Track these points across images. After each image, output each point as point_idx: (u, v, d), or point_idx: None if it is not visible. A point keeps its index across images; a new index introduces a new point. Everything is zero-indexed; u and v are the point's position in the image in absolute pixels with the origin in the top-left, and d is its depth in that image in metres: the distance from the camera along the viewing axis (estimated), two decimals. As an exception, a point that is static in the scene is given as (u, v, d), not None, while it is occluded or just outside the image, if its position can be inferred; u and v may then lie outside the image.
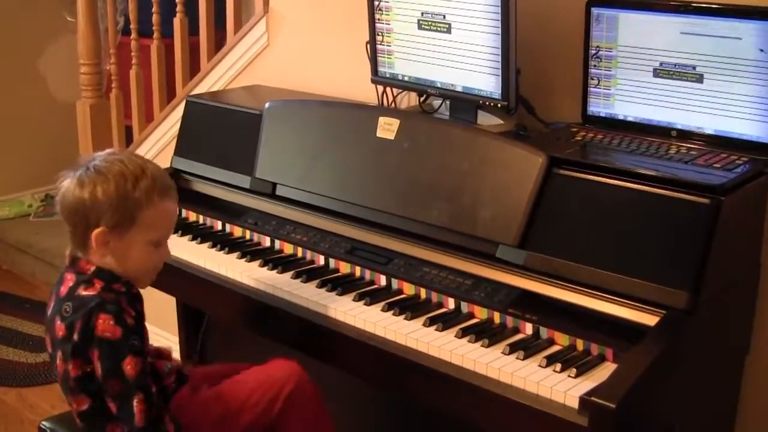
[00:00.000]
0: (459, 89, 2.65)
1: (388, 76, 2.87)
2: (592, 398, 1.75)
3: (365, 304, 2.24)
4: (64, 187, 2.06)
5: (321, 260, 2.49)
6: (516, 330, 2.11)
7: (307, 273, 2.40)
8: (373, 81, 2.92)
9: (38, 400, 3.80)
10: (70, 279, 2.09)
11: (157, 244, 2.12)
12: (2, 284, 4.96)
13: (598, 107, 2.50)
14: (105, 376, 1.97)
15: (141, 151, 4.12)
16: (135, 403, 1.96)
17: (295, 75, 3.40)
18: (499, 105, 2.56)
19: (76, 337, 1.99)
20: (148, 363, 2.04)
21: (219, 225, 2.77)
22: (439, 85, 2.71)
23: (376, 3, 2.80)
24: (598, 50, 2.46)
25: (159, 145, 4.03)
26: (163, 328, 4.14)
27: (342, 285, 2.33)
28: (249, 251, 2.57)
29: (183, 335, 3.20)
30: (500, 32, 2.47)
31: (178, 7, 3.92)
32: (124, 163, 2.06)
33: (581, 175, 2.16)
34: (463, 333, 2.08)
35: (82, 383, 2.02)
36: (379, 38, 2.84)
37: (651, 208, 2.05)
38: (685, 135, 2.34)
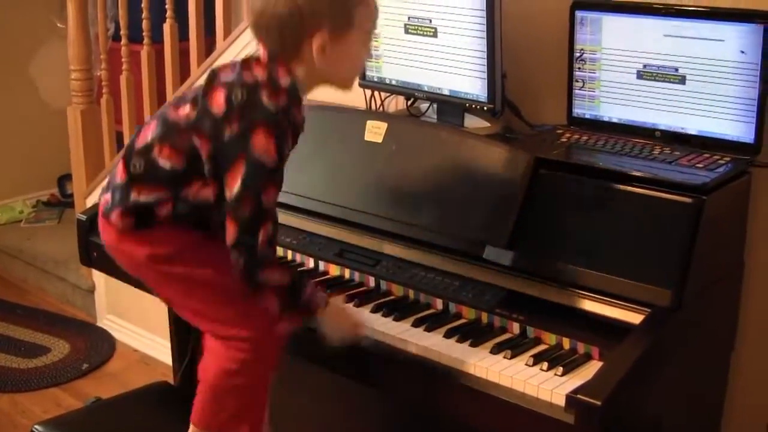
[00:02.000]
0: (446, 92, 2.68)
1: (375, 80, 2.89)
2: (578, 396, 1.76)
3: (355, 305, 2.26)
4: None
5: (311, 263, 2.51)
6: (503, 329, 2.13)
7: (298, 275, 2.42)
8: (360, 85, 2.93)
9: (30, 405, 3.80)
10: (257, 65, 1.97)
11: (367, 41, 2.04)
12: (-6, 290, 4.97)
13: (583, 109, 2.53)
14: (238, 197, 1.91)
15: (132, 156, 4.14)
16: (261, 230, 1.93)
17: (284, 79, 3.41)
18: (485, 108, 2.58)
19: (236, 125, 1.91)
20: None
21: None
22: (426, 89, 2.73)
23: (364, 8, 2.81)
24: (583, 53, 2.48)
25: (149, 150, 4.04)
26: (154, 333, 4.17)
27: (332, 287, 2.35)
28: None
29: (174, 339, 3.20)
30: (486, 36, 2.49)
31: (168, 13, 3.94)
32: None
33: (567, 175, 2.19)
34: (451, 333, 2.10)
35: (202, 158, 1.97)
36: (366, 42, 2.86)
37: (635, 207, 2.08)
38: (668, 136, 2.37)
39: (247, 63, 1.98)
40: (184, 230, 2.07)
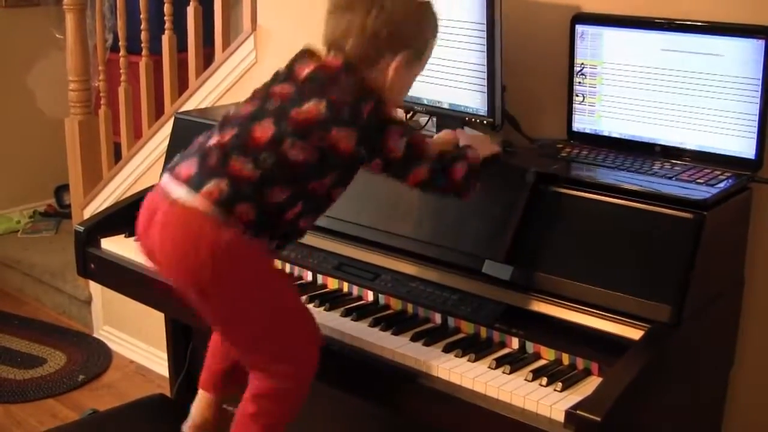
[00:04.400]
0: (445, 106, 2.67)
1: (375, 92, 2.88)
2: (578, 412, 1.76)
3: (353, 319, 2.25)
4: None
5: (309, 276, 2.50)
6: (502, 344, 2.13)
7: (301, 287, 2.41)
8: (360, 98, 2.93)
9: (26, 416, 3.79)
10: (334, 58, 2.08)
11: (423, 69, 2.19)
12: (-10, 301, 4.96)
13: (583, 123, 2.53)
14: (413, 145, 2.04)
15: (129, 168, 4.14)
16: (455, 166, 2.11)
17: (283, 92, 3.41)
18: (485, 122, 2.57)
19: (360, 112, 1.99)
20: None
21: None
22: (425, 102, 2.73)
23: (363, 20, 2.81)
24: (583, 67, 2.48)
25: (147, 161, 4.04)
26: (151, 344, 4.16)
27: (330, 300, 2.35)
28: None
29: (171, 351, 3.20)
30: (486, 49, 2.49)
31: (167, 24, 3.94)
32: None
33: (566, 190, 2.18)
34: (450, 348, 2.10)
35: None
36: (366, 55, 2.85)
37: (635, 223, 2.07)
38: (668, 151, 2.37)
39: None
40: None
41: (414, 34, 2.08)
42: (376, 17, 2.02)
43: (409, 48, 2.06)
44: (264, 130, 1.99)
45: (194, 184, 1.97)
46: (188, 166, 2.01)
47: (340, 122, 1.96)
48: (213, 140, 2.04)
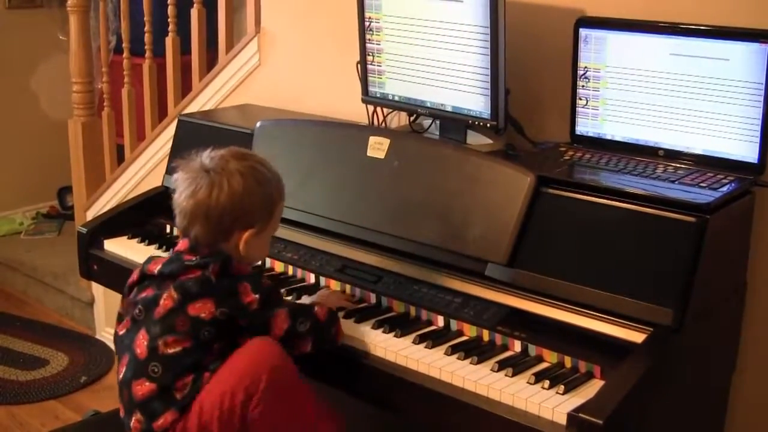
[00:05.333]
0: (449, 109, 2.67)
1: (378, 95, 2.89)
2: (580, 414, 1.76)
3: (355, 321, 2.25)
4: (206, 185, 2.08)
5: (312, 278, 2.50)
6: (505, 347, 2.13)
7: (298, 291, 2.41)
8: (363, 100, 2.94)
9: (29, 418, 3.79)
10: (191, 264, 2.09)
11: (275, 229, 2.24)
12: (-7, 302, 4.97)
13: (586, 127, 2.53)
14: (265, 301, 2.07)
15: (132, 169, 4.14)
16: (315, 309, 2.16)
17: (286, 94, 3.42)
18: (488, 125, 2.58)
19: (213, 277, 2.05)
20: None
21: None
22: (429, 105, 2.73)
23: (367, 23, 2.82)
24: (587, 71, 2.48)
25: (151, 163, 4.05)
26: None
27: (332, 303, 2.34)
28: (240, 269, 2.57)
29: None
30: (489, 53, 2.49)
31: (171, 27, 3.95)
32: (263, 165, 2.17)
33: (569, 194, 2.18)
34: (453, 350, 2.10)
35: (195, 324, 2.03)
36: (369, 58, 2.86)
37: (638, 226, 2.07)
38: (671, 155, 2.37)
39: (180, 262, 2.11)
40: None
41: (259, 210, 2.13)
42: (217, 205, 2.08)
43: (255, 223, 2.13)
44: (140, 344, 2.06)
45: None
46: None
47: (194, 297, 2.03)
48: (120, 373, 2.12)
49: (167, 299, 2.04)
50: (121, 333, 2.14)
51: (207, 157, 2.13)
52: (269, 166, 2.19)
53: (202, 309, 2.02)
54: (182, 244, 2.14)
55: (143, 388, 2.03)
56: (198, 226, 2.10)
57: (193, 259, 2.08)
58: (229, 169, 2.09)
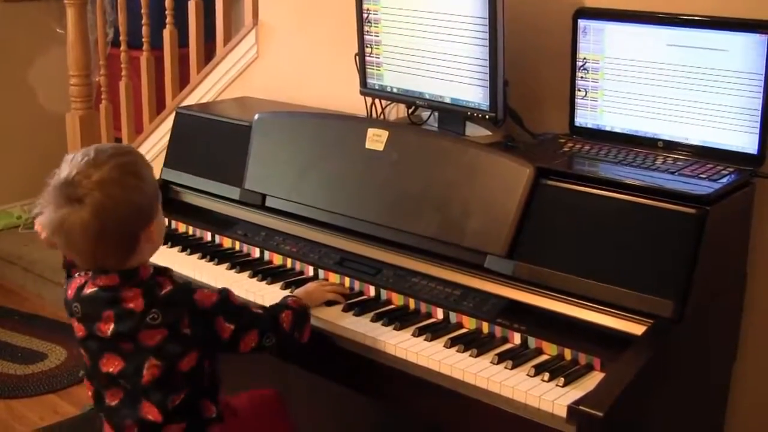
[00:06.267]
0: (447, 101, 2.67)
1: (377, 87, 2.88)
2: (580, 407, 1.76)
3: (354, 314, 2.25)
4: (93, 204, 1.89)
5: (310, 271, 2.50)
6: (504, 340, 2.12)
7: (296, 284, 2.40)
8: (362, 93, 2.93)
9: (27, 411, 3.79)
10: (134, 294, 1.95)
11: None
12: (-9, 296, 4.96)
13: (585, 118, 2.52)
14: (239, 328, 2.02)
15: (131, 162, 4.13)
16: (281, 316, 2.11)
17: (284, 87, 3.42)
18: (487, 116, 2.57)
19: (188, 330, 1.95)
20: None
21: (209, 236, 2.78)
22: (427, 97, 2.73)
23: (365, 15, 2.81)
24: (585, 62, 2.47)
25: (149, 156, 4.04)
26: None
27: (331, 295, 2.34)
28: (238, 262, 2.57)
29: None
30: (488, 44, 2.48)
31: (168, 19, 3.94)
32: (120, 154, 1.98)
33: (569, 185, 2.18)
34: (452, 343, 2.09)
35: (190, 372, 1.99)
36: (368, 50, 2.86)
37: (638, 218, 2.07)
38: (671, 146, 2.36)
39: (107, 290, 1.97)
40: None
41: (149, 200, 1.98)
42: (110, 226, 1.91)
43: (153, 213, 1.99)
44: (151, 411, 1.99)
45: None
46: None
47: (180, 357, 1.97)
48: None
49: (151, 369, 1.95)
50: (111, 404, 2.04)
51: (61, 185, 1.94)
52: (126, 148, 2.07)
53: (189, 362, 1.98)
54: (108, 279, 1.97)
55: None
56: (103, 252, 1.94)
57: (141, 309, 1.94)
58: (96, 182, 1.90)
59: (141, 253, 2.00)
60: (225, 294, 2.03)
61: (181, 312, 1.95)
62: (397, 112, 3.04)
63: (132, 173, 1.95)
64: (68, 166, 1.97)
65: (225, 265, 2.56)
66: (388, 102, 3.00)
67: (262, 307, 2.13)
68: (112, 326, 1.94)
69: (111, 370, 1.99)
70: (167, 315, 1.94)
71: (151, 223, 1.99)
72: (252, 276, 2.49)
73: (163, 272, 2.03)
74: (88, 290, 1.99)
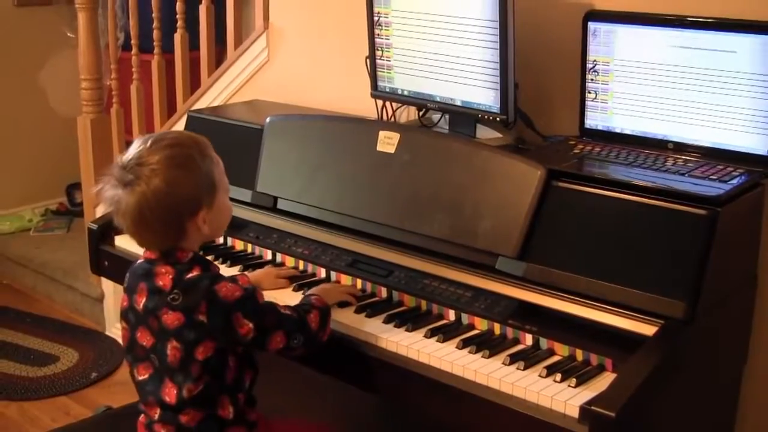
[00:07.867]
0: (458, 103, 2.68)
1: (387, 90, 2.89)
2: (592, 407, 1.76)
3: (366, 315, 2.26)
4: (139, 192, 1.98)
5: (322, 273, 2.51)
6: (516, 341, 2.13)
7: (309, 285, 2.41)
8: (372, 95, 2.94)
9: (39, 413, 3.80)
10: (166, 272, 2.03)
11: (227, 187, 2.16)
12: (3, 298, 4.96)
13: (595, 120, 2.53)
14: (261, 326, 2.03)
15: (142, 165, 4.14)
16: (309, 317, 2.13)
17: (295, 90, 3.43)
18: (497, 119, 2.58)
19: (204, 318, 1.98)
20: None
21: (220, 239, 2.79)
22: (438, 99, 2.74)
23: (376, 18, 2.82)
24: (596, 64, 2.48)
25: (160, 159, 4.05)
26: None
27: (343, 297, 2.35)
28: (251, 264, 2.58)
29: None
30: (499, 46, 2.49)
31: (179, 23, 3.95)
32: (174, 145, 2.05)
33: (579, 187, 2.18)
34: (464, 344, 2.10)
35: (209, 363, 2.02)
36: (378, 53, 2.87)
37: (648, 219, 2.07)
38: (681, 147, 2.37)
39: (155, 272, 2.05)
40: None
41: (195, 192, 2.04)
42: (152, 213, 1.99)
43: (201, 203, 2.05)
44: (169, 392, 2.05)
45: None
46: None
47: (196, 344, 2.01)
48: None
49: (173, 350, 2.01)
50: (141, 378, 2.10)
51: (120, 167, 2.03)
52: (184, 139, 2.10)
53: (206, 351, 2.01)
54: (150, 253, 2.09)
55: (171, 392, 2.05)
56: (148, 235, 2.05)
57: (168, 289, 2.02)
58: (146, 171, 1.99)
59: (189, 240, 2.07)
60: (250, 291, 2.05)
61: (198, 298, 1.98)
62: (407, 114, 3.05)
63: (179, 165, 2.01)
64: (131, 149, 2.06)
65: (237, 268, 2.57)
66: (399, 105, 3.01)
67: (289, 307, 2.14)
68: (144, 300, 2.04)
69: (145, 343, 2.06)
70: (186, 298, 1.99)
71: (198, 213, 2.04)
72: (264, 278, 2.50)
73: (204, 262, 2.09)
74: (137, 262, 2.11)
